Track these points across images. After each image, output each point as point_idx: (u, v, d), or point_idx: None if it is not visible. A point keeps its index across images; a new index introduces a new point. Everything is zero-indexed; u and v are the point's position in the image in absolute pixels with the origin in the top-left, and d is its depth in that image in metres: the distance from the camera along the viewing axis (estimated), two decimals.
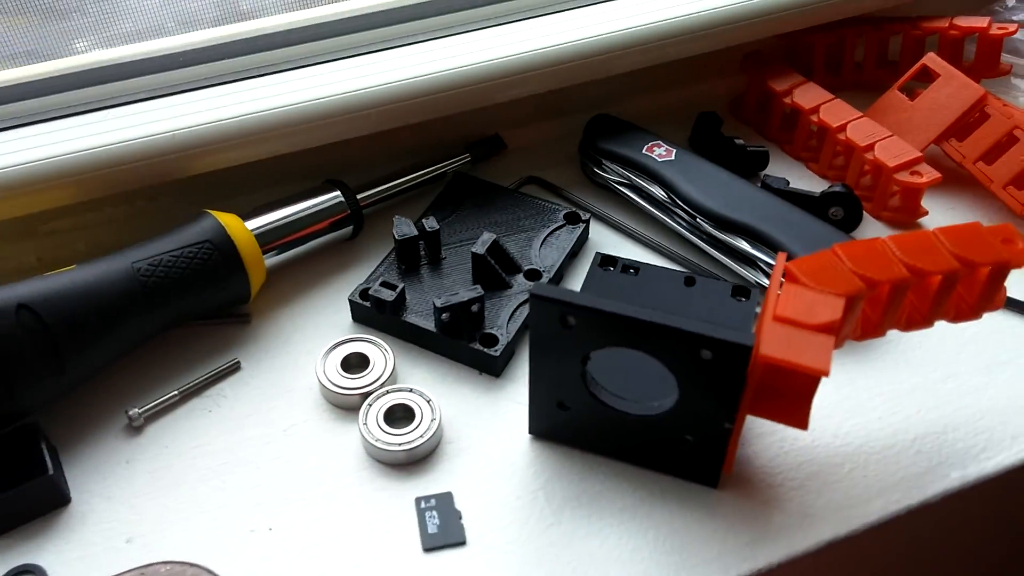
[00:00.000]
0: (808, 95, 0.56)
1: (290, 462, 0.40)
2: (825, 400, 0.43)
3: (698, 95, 0.61)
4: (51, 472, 0.37)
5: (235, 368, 0.43)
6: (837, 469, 0.40)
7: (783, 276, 0.37)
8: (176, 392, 0.42)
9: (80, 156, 0.43)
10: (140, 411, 0.41)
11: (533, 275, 0.47)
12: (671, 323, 0.34)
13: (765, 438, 0.41)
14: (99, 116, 0.45)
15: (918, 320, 0.39)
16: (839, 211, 0.51)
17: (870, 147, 0.52)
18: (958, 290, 0.38)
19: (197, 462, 0.40)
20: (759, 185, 0.52)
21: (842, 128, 0.53)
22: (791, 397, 0.35)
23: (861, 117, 0.54)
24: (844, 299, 0.35)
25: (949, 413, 0.42)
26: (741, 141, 0.55)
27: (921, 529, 0.40)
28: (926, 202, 0.52)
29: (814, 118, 0.55)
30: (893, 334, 0.45)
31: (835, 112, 0.54)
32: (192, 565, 0.33)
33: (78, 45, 0.50)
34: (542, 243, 0.49)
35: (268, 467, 0.40)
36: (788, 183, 0.52)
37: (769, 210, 0.49)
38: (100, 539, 0.37)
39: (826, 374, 0.33)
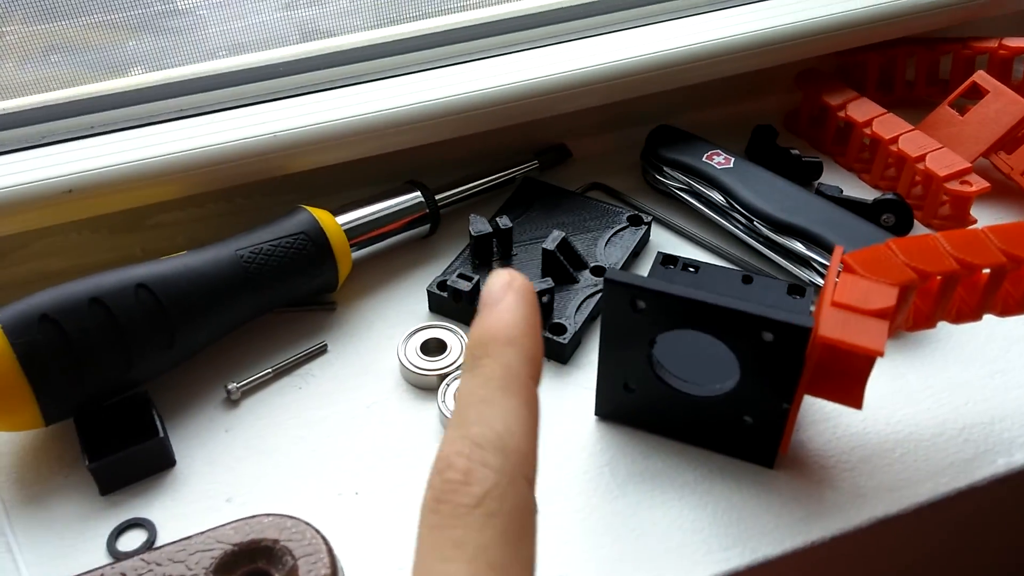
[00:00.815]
0: (861, 109, 0.58)
1: (373, 434, 0.43)
2: (878, 391, 0.45)
3: (754, 109, 0.63)
4: (161, 435, 0.41)
5: (322, 350, 0.47)
6: (888, 454, 0.42)
7: (840, 267, 0.39)
8: (270, 370, 0.45)
9: (185, 155, 0.47)
10: (238, 386, 0.44)
11: (598, 271, 0.50)
12: (736, 306, 0.37)
13: (819, 424, 0.43)
14: (204, 120, 0.49)
15: (967, 313, 0.41)
16: (891, 218, 0.54)
17: (921, 158, 0.54)
18: (1005, 285, 0.41)
19: (289, 432, 0.43)
20: (814, 192, 0.54)
21: (894, 140, 0.56)
22: (847, 378, 0.37)
23: (913, 130, 0.56)
24: (897, 288, 0.38)
25: (996, 405, 0.44)
26: (796, 151, 0.58)
27: (968, 512, 0.42)
28: (975, 211, 0.54)
29: (867, 131, 0.57)
30: (945, 332, 0.48)
31: (888, 125, 0.57)
32: (292, 518, 0.37)
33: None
34: (607, 243, 0.52)
35: (353, 438, 0.43)
36: (841, 191, 0.55)
37: (823, 214, 0.51)
38: (202, 498, 0.40)
39: (881, 354, 0.35)
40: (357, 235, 0.49)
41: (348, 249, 0.48)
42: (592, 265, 0.50)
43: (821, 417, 0.44)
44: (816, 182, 0.57)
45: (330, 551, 0.36)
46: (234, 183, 0.49)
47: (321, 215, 0.47)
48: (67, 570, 0.37)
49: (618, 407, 0.43)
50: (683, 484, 0.41)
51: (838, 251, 0.40)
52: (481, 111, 0.52)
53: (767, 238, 0.52)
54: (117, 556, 0.38)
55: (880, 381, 0.45)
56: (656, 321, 0.39)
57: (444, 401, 0.43)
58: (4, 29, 0.50)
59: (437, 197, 0.52)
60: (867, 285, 0.38)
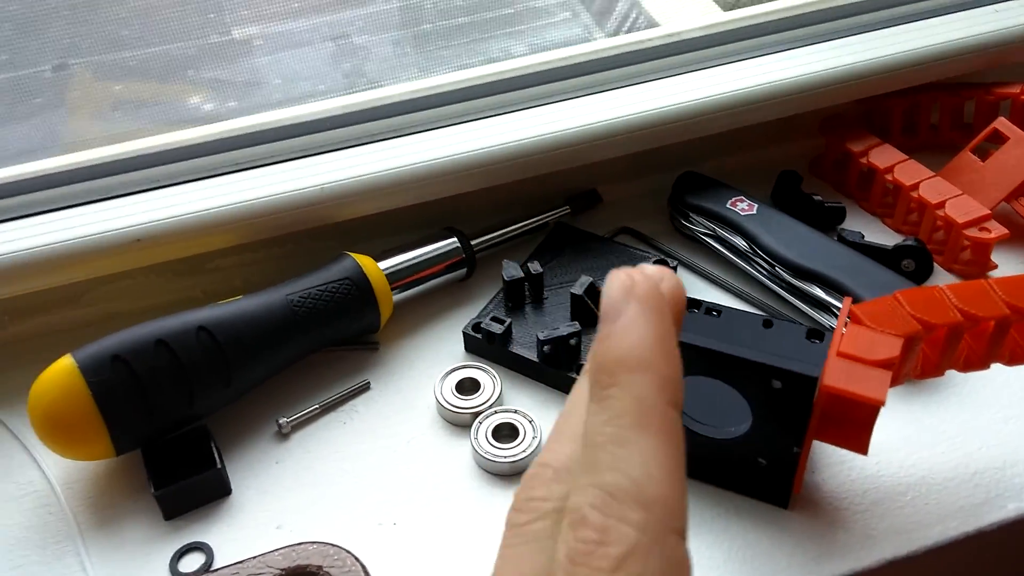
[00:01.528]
0: (883, 156, 0.60)
1: (411, 468, 0.46)
2: (892, 436, 0.47)
3: (779, 155, 0.66)
4: (219, 466, 0.44)
5: (366, 388, 0.50)
6: (900, 497, 0.44)
7: (848, 318, 0.41)
8: (317, 406, 0.49)
9: (241, 207, 0.51)
10: (288, 420, 0.48)
11: None
12: (746, 355, 0.40)
13: (833, 467, 0.46)
14: (257, 172, 0.53)
15: (975, 362, 0.43)
16: (911, 263, 0.55)
17: (941, 204, 0.56)
18: (1012, 335, 0.43)
19: (334, 464, 0.47)
20: (835, 238, 0.56)
21: (915, 187, 0.58)
22: (853, 425, 0.40)
23: (934, 176, 0.58)
24: (902, 339, 0.40)
25: (1009, 451, 0.46)
26: (819, 197, 0.60)
27: (976, 555, 0.44)
28: (996, 257, 0.56)
29: (889, 177, 0.59)
30: (960, 378, 0.50)
31: (909, 172, 0.59)
32: (335, 546, 0.40)
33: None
34: None
35: (393, 472, 0.46)
36: (863, 236, 0.57)
37: (843, 260, 0.54)
38: (255, 524, 0.44)
39: (882, 403, 0.37)
40: (398, 279, 0.52)
41: (389, 293, 0.51)
42: None
43: (836, 460, 0.46)
44: (839, 227, 0.59)
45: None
46: (285, 231, 0.53)
47: (364, 261, 0.51)
48: None
49: None
50: (700, 522, 0.43)
51: (847, 302, 0.43)
52: (515, 161, 0.55)
53: (788, 283, 0.54)
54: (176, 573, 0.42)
55: (894, 425, 0.47)
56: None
57: (476, 438, 0.46)
58: (72, 92, 0.55)
59: (473, 243, 0.55)
60: (872, 336, 0.40)
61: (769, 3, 0.65)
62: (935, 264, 0.57)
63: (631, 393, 0.19)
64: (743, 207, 0.58)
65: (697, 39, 0.63)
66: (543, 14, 0.80)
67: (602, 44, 0.63)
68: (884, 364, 0.39)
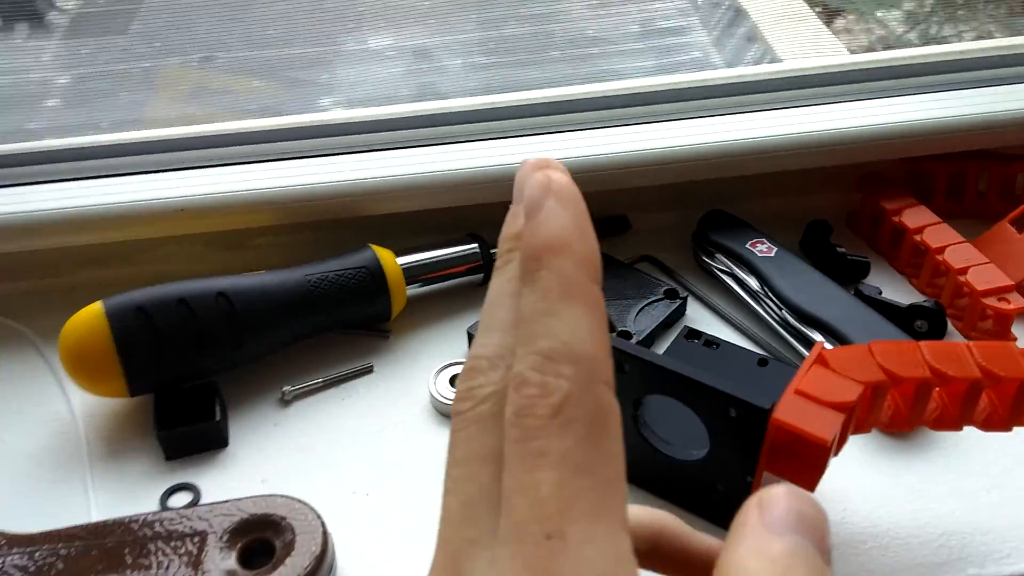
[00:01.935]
0: (916, 216, 0.60)
1: (395, 449, 0.49)
2: (866, 487, 0.47)
3: (817, 205, 0.66)
4: (217, 419, 0.49)
5: (369, 371, 0.54)
6: (859, 545, 0.44)
7: (815, 361, 0.42)
8: (320, 380, 0.53)
9: (278, 191, 0.56)
10: (291, 389, 0.52)
11: (624, 335, 0.54)
12: (704, 380, 0.41)
13: None
14: (297, 163, 0.58)
15: (947, 422, 0.43)
16: (924, 324, 0.55)
17: (964, 270, 0.56)
18: (988, 400, 0.42)
19: (326, 435, 0.50)
20: (852, 291, 0.57)
21: (941, 250, 0.58)
22: (803, 462, 0.40)
23: (963, 243, 0.58)
24: (863, 386, 0.40)
25: (984, 519, 0.45)
26: (843, 249, 0.60)
27: None
28: (1018, 330, 0.55)
29: (918, 238, 0.59)
30: (954, 441, 0.49)
31: (939, 235, 0.59)
32: (301, 502, 0.43)
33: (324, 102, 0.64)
34: (639, 311, 0.56)
35: (377, 449, 0.49)
36: (880, 292, 0.57)
37: (851, 312, 0.54)
38: (243, 476, 0.48)
39: (826, 443, 0.38)
40: (414, 275, 0.56)
41: (404, 286, 0.55)
42: (619, 330, 0.55)
43: None
44: (860, 282, 0.60)
45: (325, 533, 0.42)
46: (319, 218, 0.57)
47: (384, 254, 0.54)
48: (125, 511, 0.45)
49: None
50: None
51: (818, 346, 0.43)
52: None
53: (792, 327, 0.55)
54: (164, 508, 0.46)
55: (872, 478, 0.47)
56: (638, 384, 0.43)
57: None
58: (161, 71, 0.61)
59: (492, 251, 0.58)
60: (834, 379, 0.41)
61: (824, 57, 0.66)
62: (952, 329, 0.56)
63: (556, 272, 0.21)
64: (762, 249, 0.59)
65: (746, 83, 0.65)
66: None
67: (651, 81, 0.65)
68: (838, 407, 0.39)
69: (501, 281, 0.24)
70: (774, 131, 0.61)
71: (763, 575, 0.20)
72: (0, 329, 0.56)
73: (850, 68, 0.66)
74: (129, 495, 0.47)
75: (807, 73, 0.66)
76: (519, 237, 0.23)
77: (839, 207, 0.67)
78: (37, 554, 0.42)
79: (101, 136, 0.58)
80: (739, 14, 0.93)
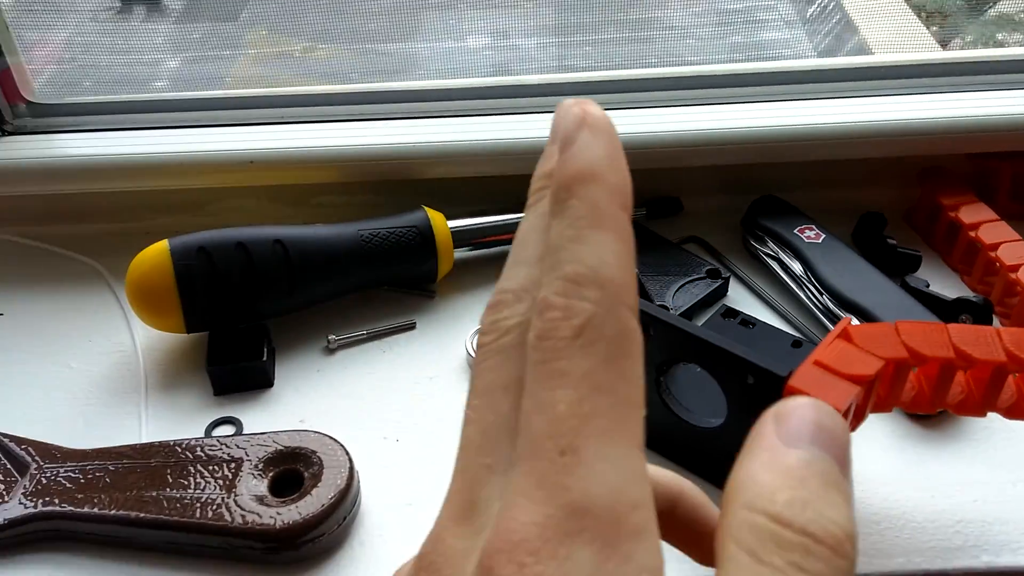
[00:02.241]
0: (973, 213, 0.59)
1: (428, 402, 0.51)
2: (887, 470, 0.47)
3: (875, 196, 0.65)
4: (264, 360, 0.51)
5: (411, 327, 0.56)
6: (873, 525, 0.44)
7: (839, 335, 0.43)
8: (364, 332, 0.55)
9: (342, 149, 0.59)
10: (336, 338, 0.55)
11: (661, 309, 0.55)
12: (724, 346, 0.42)
13: None
14: (364, 124, 0.61)
15: (971, 406, 0.43)
16: (968, 318, 0.54)
17: (1016, 267, 0.55)
18: (1013, 387, 0.42)
19: (364, 383, 0.53)
20: (899, 283, 0.56)
21: (994, 247, 0.57)
22: None
23: (1019, 240, 0.57)
24: (884, 362, 0.40)
25: (1005, 511, 0.45)
26: (894, 242, 0.60)
27: None
28: None
29: (972, 234, 0.58)
30: (986, 432, 0.49)
31: (994, 232, 0.58)
32: (332, 439, 0.46)
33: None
34: (679, 288, 0.57)
35: (410, 400, 0.51)
36: (928, 285, 0.56)
37: (891, 300, 0.54)
38: (283, 414, 0.51)
39: (838, 411, 0.38)
40: (463, 238, 0.58)
41: (451, 249, 0.57)
42: (657, 304, 0.55)
43: None
44: (909, 274, 0.59)
45: (352, 469, 0.45)
46: (381, 178, 0.60)
47: (435, 216, 0.57)
48: (171, 436, 0.48)
49: None
50: None
51: (844, 321, 0.43)
52: None
53: (831, 312, 0.55)
54: (207, 436, 0.49)
55: (895, 462, 0.47)
56: (662, 348, 0.44)
57: None
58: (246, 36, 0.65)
59: None
60: (855, 353, 0.41)
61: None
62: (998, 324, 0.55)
63: (586, 200, 0.21)
64: (809, 235, 0.59)
65: (808, 72, 0.65)
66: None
67: (714, 67, 0.66)
68: (854, 379, 0.40)
69: (531, 218, 0.23)
70: (835, 119, 0.61)
71: (776, 487, 0.19)
72: (78, 266, 0.61)
73: (919, 63, 0.65)
74: (178, 424, 0.50)
75: (873, 65, 0.65)
76: (551, 175, 0.22)
77: (898, 201, 0.66)
78: (89, 467, 0.46)
79: (181, 93, 0.62)
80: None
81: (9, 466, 0.46)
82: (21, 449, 0.47)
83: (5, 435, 0.48)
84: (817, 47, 0.89)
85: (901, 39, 0.79)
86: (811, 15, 0.93)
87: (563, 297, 0.20)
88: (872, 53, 0.77)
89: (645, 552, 0.18)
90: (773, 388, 0.40)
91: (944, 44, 0.91)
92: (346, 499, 0.44)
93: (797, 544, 0.18)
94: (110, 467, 0.46)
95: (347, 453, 0.45)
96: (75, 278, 0.60)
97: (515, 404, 0.20)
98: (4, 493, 0.45)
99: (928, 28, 0.92)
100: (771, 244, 0.60)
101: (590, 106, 0.23)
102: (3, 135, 0.61)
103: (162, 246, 0.51)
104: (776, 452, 0.20)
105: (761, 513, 0.19)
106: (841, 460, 0.20)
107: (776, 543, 0.18)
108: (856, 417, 0.42)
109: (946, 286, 0.59)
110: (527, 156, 0.59)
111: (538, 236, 0.22)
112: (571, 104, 0.23)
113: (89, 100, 0.63)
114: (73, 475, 0.45)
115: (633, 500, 0.18)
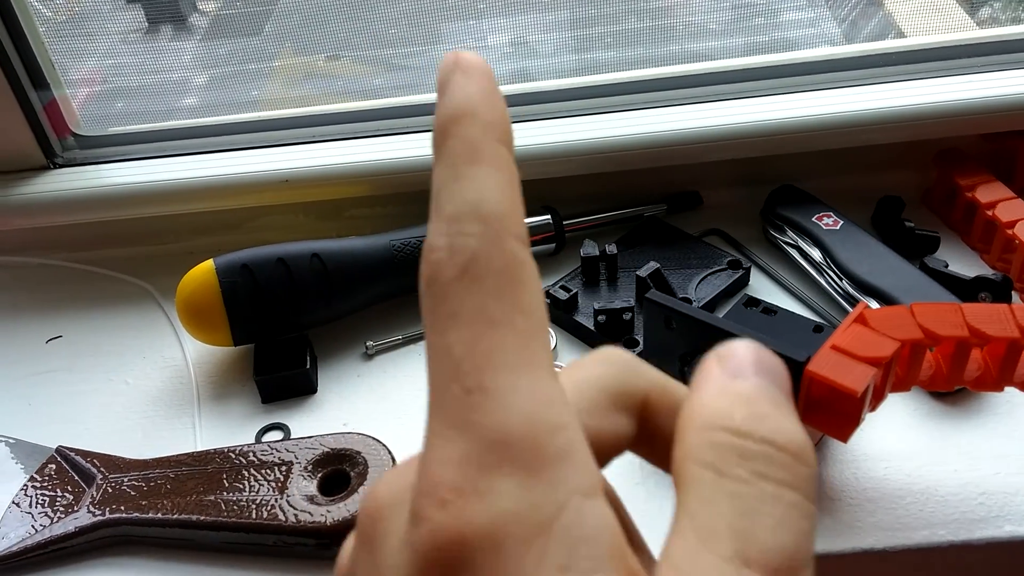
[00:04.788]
0: (990, 192, 0.60)
1: None
2: (912, 446, 0.48)
3: (892, 180, 0.66)
4: (308, 367, 0.54)
5: None
6: (897, 500, 0.46)
7: (855, 319, 0.44)
8: (400, 337, 0.58)
9: (372, 164, 0.61)
10: (374, 344, 0.57)
11: (685, 302, 0.57)
12: (742, 333, 0.43)
13: (843, 464, 0.48)
14: (392, 139, 0.63)
15: (987, 382, 0.44)
16: (987, 296, 0.56)
17: None
18: None
19: (403, 386, 0.55)
20: (918, 265, 0.57)
21: (1012, 224, 0.58)
22: (837, 414, 0.42)
23: None
24: (900, 343, 0.42)
25: None
26: (911, 224, 0.61)
27: (955, 567, 0.45)
28: None
29: (989, 213, 0.59)
30: (1009, 407, 0.50)
31: (1011, 210, 0.59)
32: (376, 440, 0.48)
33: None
34: (701, 280, 0.59)
35: None
36: (947, 265, 0.57)
37: (910, 282, 0.55)
38: (328, 418, 0.53)
39: (856, 394, 0.40)
40: None
41: None
42: (680, 296, 0.57)
43: (848, 459, 0.48)
44: (928, 255, 0.60)
45: (395, 466, 0.47)
46: (409, 190, 0.62)
47: None
48: (224, 443, 0.51)
49: None
50: None
51: (860, 305, 0.45)
52: (614, 154, 0.62)
53: (851, 297, 0.56)
54: (258, 442, 0.52)
55: (920, 438, 0.49)
56: (685, 340, 0.46)
57: None
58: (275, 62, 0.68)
59: (565, 222, 0.62)
60: (871, 337, 0.43)
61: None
62: (1019, 302, 0.56)
63: (461, 139, 0.20)
64: (828, 222, 0.60)
65: (820, 62, 0.66)
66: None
67: (728, 62, 0.67)
68: (871, 361, 0.41)
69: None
70: (850, 107, 0.62)
71: (731, 407, 0.19)
72: (128, 287, 0.64)
73: (931, 47, 0.66)
74: (230, 431, 0.53)
75: (884, 51, 0.66)
76: None
77: (916, 185, 0.67)
78: (150, 475, 0.49)
79: (217, 118, 0.65)
80: None
81: (77, 478, 0.50)
82: (87, 462, 0.50)
83: (72, 449, 0.51)
84: (841, 24, 0.90)
85: (928, 11, 0.79)
86: None
87: (445, 237, 0.19)
88: (899, 27, 0.78)
89: (573, 473, 0.18)
90: (792, 373, 0.42)
91: (973, 13, 0.92)
92: None
93: (759, 453, 0.19)
94: (170, 474, 0.49)
95: (390, 453, 0.48)
96: (126, 299, 0.63)
97: None
98: (74, 503, 0.48)
99: None
100: (790, 233, 0.61)
101: (464, 53, 0.22)
102: (54, 167, 0.64)
103: (208, 265, 0.54)
104: (725, 383, 0.20)
105: (720, 430, 0.19)
106: (785, 390, 0.20)
107: (739, 455, 0.19)
108: (876, 397, 0.43)
109: (966, 265, 0.60)
110: (552, 160, 0.61)
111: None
112: (447, 54, 0.22)
113: (131, 130, 0.66)
114: (136, 483, 0.48)
115: (551, 424, 0.18)
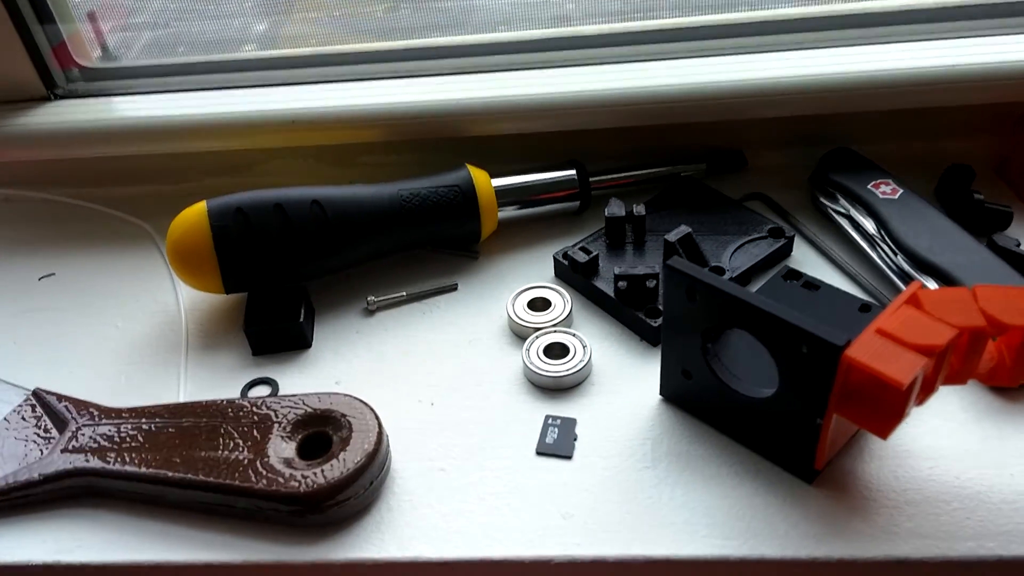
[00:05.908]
0: None
1: (466, 364, 0.49)
2: (963, 446, 0.43)
3: (964, 148, 0.60)
4: (300, 320, 0.50)
5: (452, 289, 0.54)
6: (942, 505, 0.40)
7: (907, 300, 0.38)
8: (404, 294, 0.53)
9: (384, 107, 0.57)
10: (376, 300, 0.53)
11: (716, 271, 0.51)
12: (775, 312, 0.38)
13: (885, 459, 0.42)
14: (406, 82, 0.59)
15: None
16: None
17: None
18: None
19: (401, 345, 0.51)
20: (985, 242, 0.51)
21: None
22: (878, 407, 0.37)
23: None
24: (958, 331, 0.36)
25: None
26: (981, 196, 0.54)
27: None
28: None
29: None
30: None
31: None
32: (362, 402, 0.44)
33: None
34: (737, 248, 0.53)
35: (448, 363, 0.50)
36: (1019, 244, 0.51)
37: (975, 260, 0.49)
38: (320, 375, 0.49)
39: (901, 386, 0.35)
40: (508, 197, 0.55)
41: (495, 208, 0.54)
42: (712, 265, 0.52)
43: (889, 454, 0.43)
44: (998, 232, 0.54)
45: (380, 433, 0.43)
46: (425, 136, 0.58)
47: (478, 174, 0.54)
48: (209, 396, 0.48)
49: (678, 391, 0.46)
50: (714, 475, 0.42)
51: (914, 284, 0.39)
52: (655, 105, 0.56)
53: (906, 274, 0.50)
54: (241, 397, 0.48)
55: (971, 438, 0.43)
56: (709, 313, 0.41)
57: (528, 350, 0.48)
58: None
59: (592, 179, 0.57)
60: (925, 321, 0.37)
61: None
62: None
63: None
64: (885, 190, 0.54)
65: (883, 14, 0.59)
66: None
67: (774, 12, 0.61)
68: (922, 349, 0.36)
69: None
70: (915, 63, 0.56)
71: None
72: (127, 227, 0.61)
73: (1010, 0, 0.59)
74: (217, 384, 0.50)
75: (958, 3, 0.59)
76: None
77: (990, 154, 0.60)
78: (123, 427, 0.46)
79: (229, 54, 0.61)
80: None
81: (50, 423, 0.47)
82: (62, 406, 0.47)
83: (48, 392, 0.48)
84: None
85: None
86: None
87: None
88: None
89: None
90: (829, 359, 0.37)
91: None
92: (373, 463, 0.42)
93: None
94: (143, 426, 0.45)
95: (376, 417, 0.44)
96: (125, 239, 0.60)
97: None
98: (43, 449, 0.45)
99: None
100: (842, 201, 0.55)
101: None
102: (54, 99, 0.61)
103: (200, 207, 0.50)
104: None
105: None
106: None
107: None
108: (924, 390, 0.38)
109: None
110: (582, 110, 0.56)
111: None
112: None
113: (138, 64, 0.62)
114: (108, 433, 0.45)
115: None
